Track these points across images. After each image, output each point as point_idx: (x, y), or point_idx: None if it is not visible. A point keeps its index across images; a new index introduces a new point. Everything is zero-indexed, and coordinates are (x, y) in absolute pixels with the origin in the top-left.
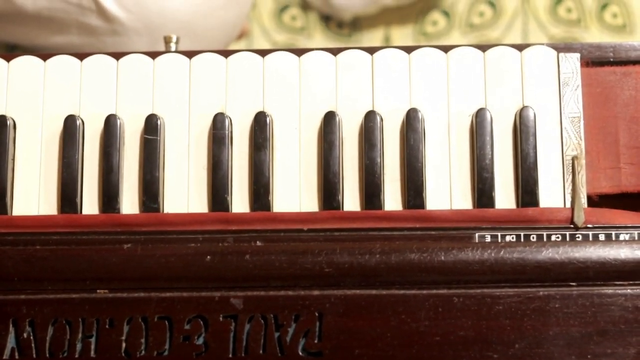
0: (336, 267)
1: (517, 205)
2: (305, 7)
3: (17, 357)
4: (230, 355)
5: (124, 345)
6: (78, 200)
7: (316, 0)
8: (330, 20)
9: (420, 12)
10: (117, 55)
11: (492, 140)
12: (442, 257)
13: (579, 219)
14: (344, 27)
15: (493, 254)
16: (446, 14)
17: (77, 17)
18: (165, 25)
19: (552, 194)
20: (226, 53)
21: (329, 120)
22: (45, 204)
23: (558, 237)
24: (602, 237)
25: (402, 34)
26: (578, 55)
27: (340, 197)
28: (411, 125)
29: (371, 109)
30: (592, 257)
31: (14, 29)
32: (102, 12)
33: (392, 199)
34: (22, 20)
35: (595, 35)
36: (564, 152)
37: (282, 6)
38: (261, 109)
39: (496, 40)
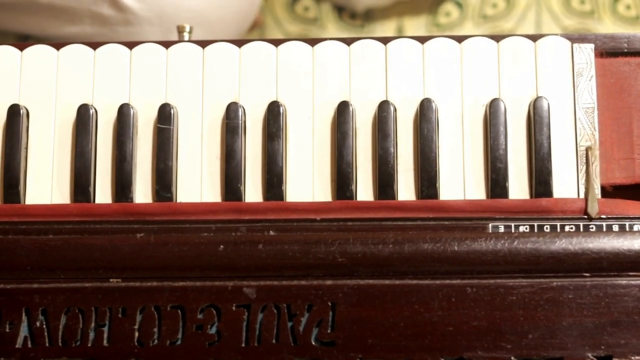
0: (349, 257)
1: (531, 196)
2: None
3: (29, 345)
4: (243, 345)
5: (136, 334)
6: (91, 189)
7: None
8: (343, 11)
9: (433, 3)
10: (131, 45)
11: (505, 131)
12: (456, 247)
13: (593, 209)
14: (357, 18)
15: (506, 245)
16: (459, 5)
17: (90, 7)
18: (177, 15)
19: (565, 184)
20: (240, 43)
21: (343, 110)
22: (58, 193)
23: (572, 228)
24: (616, 228)
25: (415, 25)
26: (592, 45)
27: (353, 187)
28: (425, 115)
29: (385, 98)
30: (606, 248)
31: (27, 19)
32: (114, 1)
33: (406, 189)
34: (35, 10)
35: (608, 27)
36: (577, 142)
37: None
38: (274, 99)
39: (509, 32)
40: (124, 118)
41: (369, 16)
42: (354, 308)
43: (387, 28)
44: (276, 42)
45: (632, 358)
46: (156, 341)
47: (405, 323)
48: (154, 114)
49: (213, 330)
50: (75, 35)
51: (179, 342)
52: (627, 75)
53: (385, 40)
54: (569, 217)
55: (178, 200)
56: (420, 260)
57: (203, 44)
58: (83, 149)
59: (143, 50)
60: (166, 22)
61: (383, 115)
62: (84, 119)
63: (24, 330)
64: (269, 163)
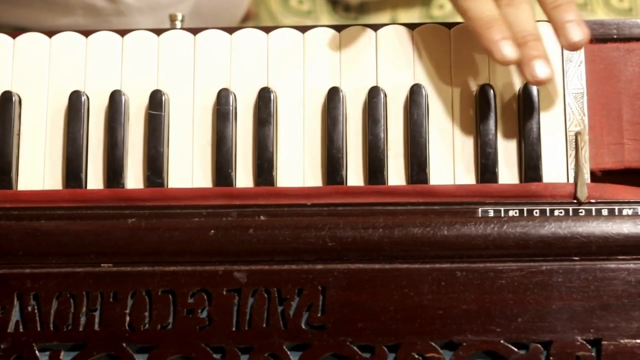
0: (339, 241)
1: (520, 181)
2: None
3: (21, 330)
4: (234, 329)
5: (127, 318)
6: (83, 175)
7: None
8: (337, 4)
9: None
10: (122, 32)
11: (495, 116)
12: (445, 232)
13: (582, 194)
14: (350, 11)
15: (496, 229)
16: None
17: None
18: (169, 5)
19: (555, 169)
20: (231, 30)
21: (333, 96)
22: (50, 179)
23: (561, 212)
24: (605, 212)
25: (409, 18)
26: None
27: (343, 172)
28: (415, 100)
29: (375, 84)
30: (595, 232)
31: (20, 11)
32: None
33: (396, 174)
34: (28, 3)
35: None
36: (567, 127)
37: None
38: (265, 85)
39: None
40: (115, 104)
41: (363, 9)
42: (344, 292)
43: (380, 20)
44: (267, 29)
45: (621, 341)
46: (147, 325)
47: (395, 307)
48: (145, 100)
49: (204, 315)
50: (68, 28)
51: (169, 327)
52: (616, 60)
53: (375, 27)
54: (559, 201)
55: (169, 186)
56: (410, 245)
57: (194, 31)
58: (75, 135)
59: (135, 37)
60: (158, 13)
61: (373, 101)
62: (75, 105)
63: (15, 315)
64: (260, 149)
